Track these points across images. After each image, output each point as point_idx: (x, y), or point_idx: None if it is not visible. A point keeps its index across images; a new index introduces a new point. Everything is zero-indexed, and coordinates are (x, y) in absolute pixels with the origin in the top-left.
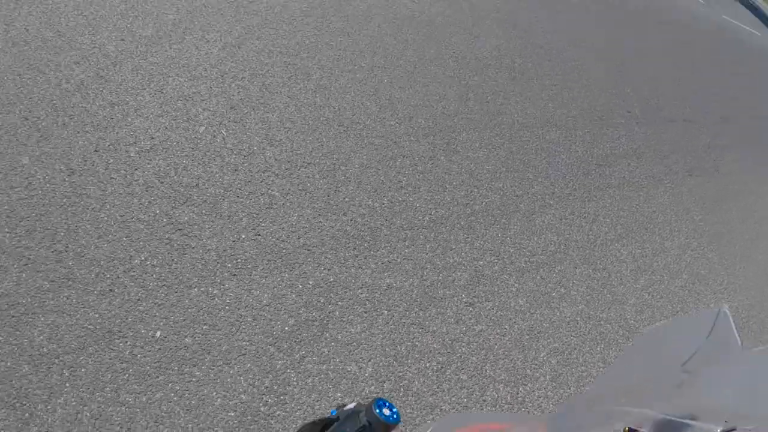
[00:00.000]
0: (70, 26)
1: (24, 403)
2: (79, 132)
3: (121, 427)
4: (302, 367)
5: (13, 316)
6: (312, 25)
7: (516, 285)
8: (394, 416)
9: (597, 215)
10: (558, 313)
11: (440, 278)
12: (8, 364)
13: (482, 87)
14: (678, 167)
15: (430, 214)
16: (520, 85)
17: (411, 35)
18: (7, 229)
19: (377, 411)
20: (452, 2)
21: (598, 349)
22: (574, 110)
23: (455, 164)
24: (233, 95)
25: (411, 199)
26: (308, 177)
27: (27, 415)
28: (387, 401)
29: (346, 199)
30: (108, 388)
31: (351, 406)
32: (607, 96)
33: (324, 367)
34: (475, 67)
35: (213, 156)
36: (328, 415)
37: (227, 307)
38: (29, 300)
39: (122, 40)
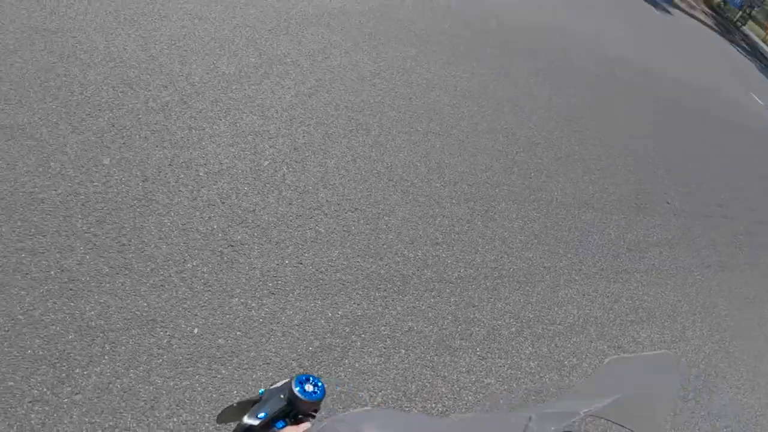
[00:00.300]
0: (164, 53)
1: (64, 364)
2: (157, 146)
3: (145, 404)
4: None
5: (70, 289)
6: (378, 86)
7: (530, 348)
8: (318, 392)
9: (620, 296)
10: (567, 381)
11: (459, 330)
12: (57, 328)
13: (527, 163)
14: (711, 261)
15: (459, 272)
16: (565, 166)
17: (467, 107)
18: (80, 216)
19: (297, 388)
20: (515, 82)
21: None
22: (614, 195)
23: (490, 230)
24: (298, 138)
25: (444, 255)
26: (353, 221)
27: (64, 375)
28: (311, 376)
29: (385, 246)
30: (141, 368)
31: (279, 384)
32: (648, 185)
33: (338, 389)
34: (524, 145)
35: (272, 188)
36: (256, 395)
37: (261, 320)
38: (88, 279)
39: (207, 73)
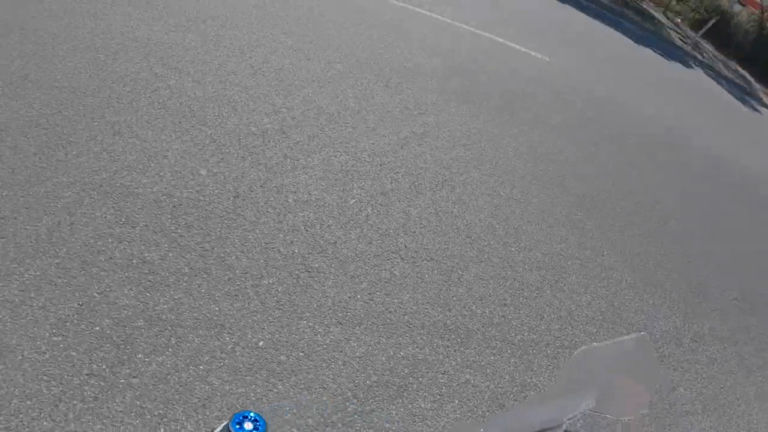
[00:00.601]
0: (270, 84)
1: (128, 347)
2: (253, 167)
3: (198, 401)
4: (369, 417)
5: (149, 281)
6: (467, 147)
7: None
8: (259, 427)
9: (678, 385)
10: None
11: (514, 391)
12: (129, 313)
13: (602, 241)
14: None
15: (522, 335)
16: (639, 248)
17: (551, 179)
18: (170, 216)
19: (235, 428)
20: (602, 165)
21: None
22: (684, 285)
23: (558, 300)
24: (386, 184)
25: (510, 316)
26: (428, 270)
27: (125, 357)
28: (250, 412)
29: (454, 298)
30: (202, 367)
31: (219, 428)
32: (719, 278)
33: (387, 425)
34: (602, 224)
35: (354, 225)
36: None
37: (325, 346)
38: (167, 275)
39: (308, 109)
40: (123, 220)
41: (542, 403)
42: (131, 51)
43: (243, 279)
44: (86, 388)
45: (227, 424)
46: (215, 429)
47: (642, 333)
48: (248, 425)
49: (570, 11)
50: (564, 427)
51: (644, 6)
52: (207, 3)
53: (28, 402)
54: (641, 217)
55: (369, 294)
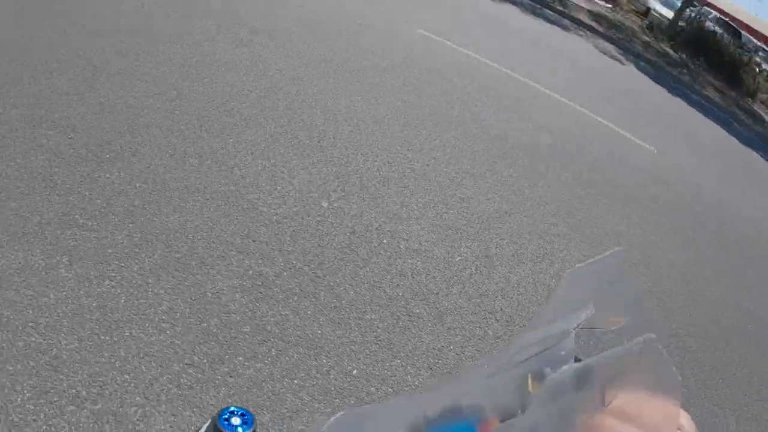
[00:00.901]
0: (395, 135)
1: (230, 349)
2: (371, 209)
3: (287, 411)
4: None
5: (260, 292)
6: (570, 226)
7: None
8: (247, 422)
9: None
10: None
11: None
12: (237, 318)
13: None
14: None
15: None
16: (713, 348)
17: (647, 267)
18: (289, 239)
19: (223, 425)
20: (699, 257)
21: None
22: (751, 391)
23: None
24: (491, 248)
25: None
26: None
27: (227, 357)
28: (237, 407)
29: None
30: (296, 381)
31: (203, 428)
32: None
33: None
34: (698, 335)
35: (457, 281)
36: None
37: (413, 387)
38: (277, 291)
39: (427, 165)
40: (245, 232)
41: (545, 325)
42: (276, 84)
43: (348, 310)
44: (184, 376)
45: (214, 420)
46: (200, 429)
47: (618, 248)
48: (236, 420)
49: (680, 104)
50: (572, 337)
51: (755, 107)
52: (350, 52)
53: (126, 376)
54: (739, 337)
55: (461, 347)
